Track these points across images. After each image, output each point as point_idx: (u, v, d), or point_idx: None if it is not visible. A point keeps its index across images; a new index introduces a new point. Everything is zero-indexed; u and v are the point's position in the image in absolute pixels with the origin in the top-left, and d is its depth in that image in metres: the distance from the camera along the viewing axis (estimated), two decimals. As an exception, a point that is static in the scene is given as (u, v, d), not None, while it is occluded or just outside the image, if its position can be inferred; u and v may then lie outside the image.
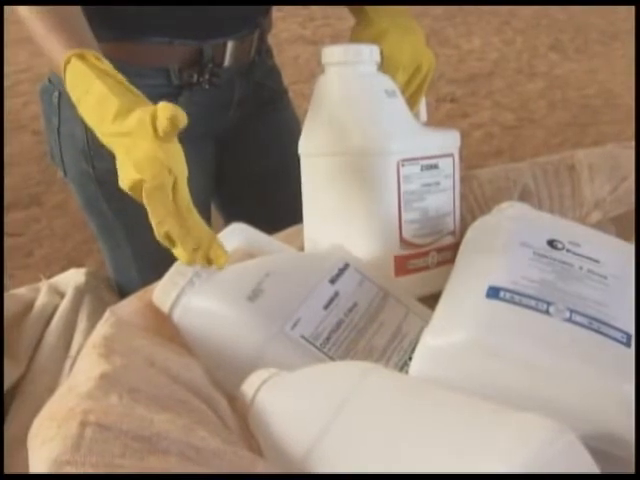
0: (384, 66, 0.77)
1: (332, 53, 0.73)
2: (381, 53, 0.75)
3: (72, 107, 0.89)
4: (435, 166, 0.72)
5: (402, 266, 0.71)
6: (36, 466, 0.44)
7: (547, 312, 0.51)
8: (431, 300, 0.62)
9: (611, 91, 3.30)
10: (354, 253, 0.69)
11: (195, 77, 0.90)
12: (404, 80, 0.82)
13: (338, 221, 0.73)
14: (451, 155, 0.74)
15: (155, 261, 0.70)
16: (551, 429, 0.40)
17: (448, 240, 0.74)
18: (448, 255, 0.73)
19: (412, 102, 0.82)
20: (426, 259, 0.72)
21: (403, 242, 0.71)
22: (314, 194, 0.75)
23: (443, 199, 0.73)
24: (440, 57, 3.56)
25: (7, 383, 0.76)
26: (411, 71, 0.82)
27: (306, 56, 3.59)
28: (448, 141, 0.75)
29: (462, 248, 0.65)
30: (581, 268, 0.56)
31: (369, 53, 0.74)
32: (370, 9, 0.84)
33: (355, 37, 0.85)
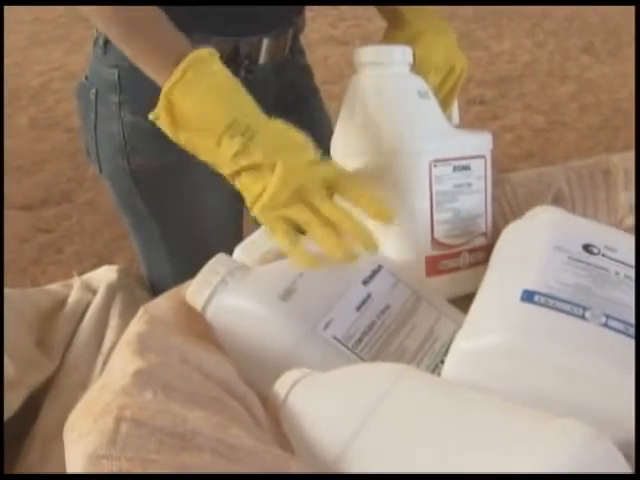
0: (417, 67, 0.77)
1: (365, 53, 0.74)
2: (414, 54, 0.76)
3: (108, 104, 0.90)
4: (467, 167, 0.72)
5: (433, 267, 0.71)
6: (73, 459, 0.44)
7: (583, 317, 0.51)
8: (464, 302, 0.61)
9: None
10: (386, 253, 0.69)
11: None
12: (437, 82, 0.81)
13: (370, 221, 0.73)
14: (483, 157, 0.74)
15: (189, 258, 0.71)
16: (589, 435, 0.39)
17: (480, 241, 0.73)
18: (480, 256, 0.73)
19: (445, 104, 0.82)
20: (457, 260, 0.72)
21: (435, 242, 0.70)
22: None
23: (475, 200, 0.73)
24: (470, 59, 3.53)
25: (41, 378, 0.77)
26: (444, 73, 0.82)
27: (336, 57, 3.60)
28: (480, 142, 0.75)
29: (496, 252, 0.64)
30: (617, 273, 0.55)
31: (401, 54, 0.74)
32: (405, 11, 0.84)
33: (388, 39, 0.85)
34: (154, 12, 0.70)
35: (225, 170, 0.65)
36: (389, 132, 0.71)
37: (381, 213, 0.65)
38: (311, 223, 0.63)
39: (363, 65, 0.74)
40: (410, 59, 0.75)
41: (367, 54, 0.74)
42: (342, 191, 0.66)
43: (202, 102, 0.63)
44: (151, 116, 0.65)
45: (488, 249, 0.69)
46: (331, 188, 0.65)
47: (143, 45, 0.69)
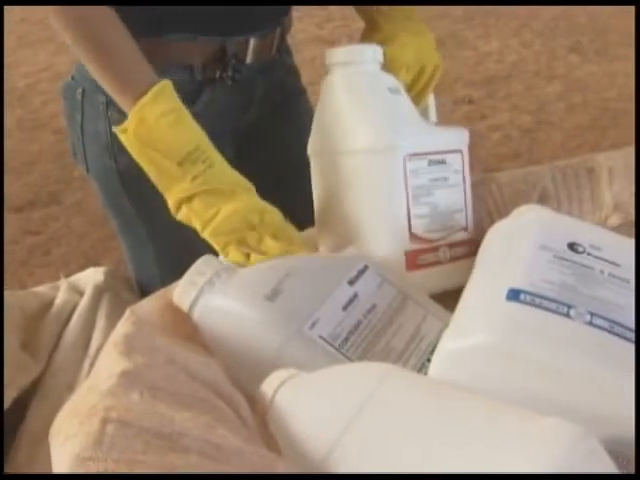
0: (388, 66, 0.78)
1: (335, 54, 0.75)
2: (385, 54, 0.76)
3: (95, 103, 0.90)
4: (442, 161, 0.72)
5: (413, 261, 0.71)
6: (59, 461, 0.44)
7: (567, 315, 0.51)
8: (450, 301, 0.62)
9: (632, 94, 3.27)
10: (365, 250, 0.69)
11: (218, 73, 0.91)
12: (408, 80, 0.83)
13: (348, 218, 0.73)
14: (459, 151, 0.74)
15: (176, 259, 0.71)
16: (575, 434, 0.40)
17: (460, 236, 0.74)
18: (460, 251, 0.73)
19: (417, 101, 0.83)
20: (437, 254, 0.72)
21: (413, 237, 0.71)
22: (324, 193, 0.76)
23: (453, 195, 0.73)
24: (458, 59, 3.55)
25: (27, 380, 0.77)
26: (415, 71, 0.83)
27: (323, 57, 3.59)
28: (455, 138, 0.76)
29: (481, 251, 0.65)
30: (602, 272, 0.56)
31: (372, 53, 0.75)
32: (379, 16, 0.85)
33: (365, 40, 0.87)
34: (121, 31, 0.73)
35: (179, 194, 0.68)
36: (361, 129, 0.72)
37: None
38: (263, 238, 0.67)
39: (334, 65, 0.75)
40: (381, 58, 0.76)
41: (338, 54, 0.75)
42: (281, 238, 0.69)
43: (170, 125, 0.68)
44: (116, 129, 0.69)
45: (469, 244, 0.69)
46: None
47: (112, 67, 0.73)
